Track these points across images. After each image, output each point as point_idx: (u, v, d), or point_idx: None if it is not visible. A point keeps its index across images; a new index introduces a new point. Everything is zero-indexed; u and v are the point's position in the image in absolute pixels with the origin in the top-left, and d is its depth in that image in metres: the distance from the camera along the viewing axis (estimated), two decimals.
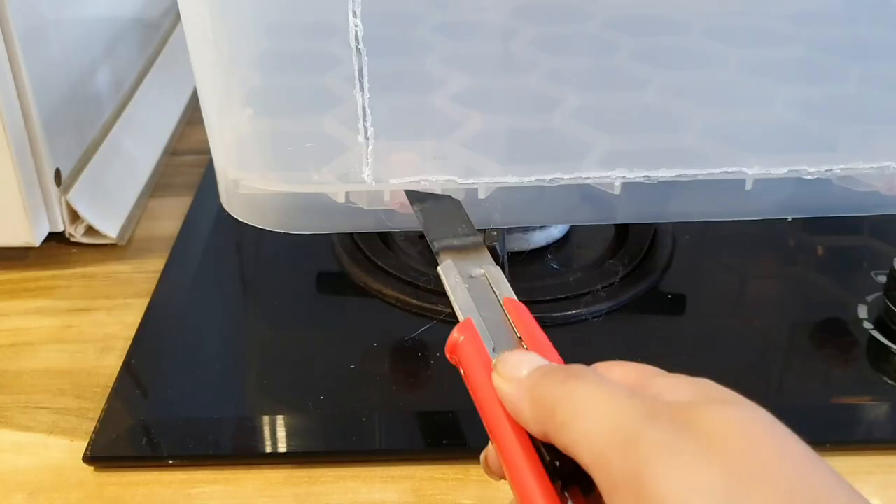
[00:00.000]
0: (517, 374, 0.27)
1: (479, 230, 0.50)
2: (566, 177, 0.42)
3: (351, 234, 0.55)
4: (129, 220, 0.60)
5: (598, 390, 0.24)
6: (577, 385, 0.25)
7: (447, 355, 0.31)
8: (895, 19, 0.49)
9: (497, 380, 0.28)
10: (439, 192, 0.42)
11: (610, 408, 0.23)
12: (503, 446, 0.27)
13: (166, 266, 0.55)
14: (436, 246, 0.36)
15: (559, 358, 0.29)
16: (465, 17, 0.54)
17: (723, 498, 0.20)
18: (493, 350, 0.30)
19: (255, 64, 0.46)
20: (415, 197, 0.41)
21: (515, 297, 0.32)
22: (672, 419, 0.22)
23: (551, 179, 0.42)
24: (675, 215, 0.45)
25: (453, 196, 0.41)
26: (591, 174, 0.43)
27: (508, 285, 0.33)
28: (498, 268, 0.34)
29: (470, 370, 0.30)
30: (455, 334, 0.31)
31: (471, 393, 0.30)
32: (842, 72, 0.49)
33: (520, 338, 0.30)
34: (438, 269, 0.35)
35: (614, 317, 0.49)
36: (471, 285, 0.33)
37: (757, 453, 0.21)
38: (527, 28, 0.52)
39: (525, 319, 0.31)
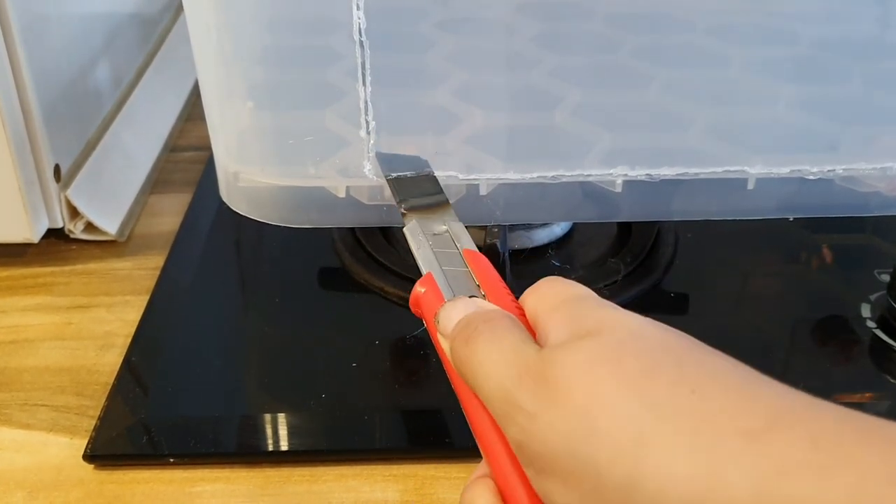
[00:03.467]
0: (447, 330, 0.28)
1: (480, 227, 0.50)
2: (567, 174, 0.42)
3: (352, 230, 0.55)
4: (129, 216, 0.60)
5: (488, 350, 0.26)
6: (475, 347, 0.26)
7: (411, 309, 0.32)
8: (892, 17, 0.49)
9: (438, 336, 0.29)
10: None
11: (495, 370, 0.25)
12: (465, 404, 0.28)
13: (166, 263, 0.55)
14: (403, 207, 0.37)
15: (514, 303, 0.29)
16: (469, 13, 0.54)
17: (576, 436, 0.22)
18: (470, 297, 0.31)
19: (258, 58, 0.46)
20: (383, 159, 0.40)
21: (476, 249, 0.33)
22: (535, 376, 0.24)
23: (553, 177, 0.42)
24: (677, 214, 0.45)
25: (428, 165, 0.41)
26: (592, 172, 0.42)
27: (469, 238, 0.34)
28: (461, 223, 0.36)
29: (430, 322, 0.31)
30: (417, 287, 0.32)
31: (436, 347, 0.30)
32: (845, 72, 0.49)
33: (478, 285, 0.31)
34: (404, 229, 0.36)
35: None
36: (434, 241, 0.34)
37: (595, 394, 0.23)
38: (529, 25, 0.52)
39: (483, 268, 0.32)
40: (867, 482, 0.19)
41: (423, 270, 0.33)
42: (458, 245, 0.34)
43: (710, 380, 0.23)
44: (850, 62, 0.49)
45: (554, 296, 0.27)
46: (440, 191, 0.38)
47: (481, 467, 0.27)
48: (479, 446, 0.27)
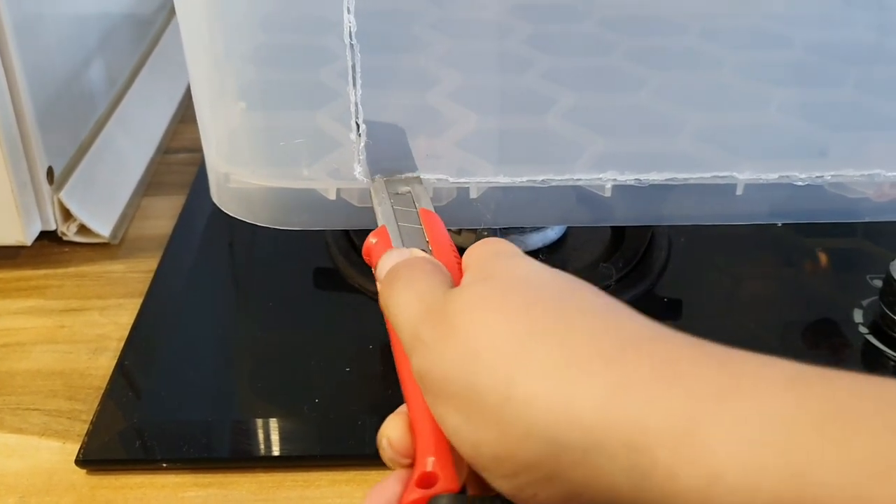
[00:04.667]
0: (381, 276, 0.31)
1: (470, 230, 0.50)
2: (557, 178, 0.42)
3: (346, 233, 0.55)
4: (122, 219, 0.60)
5: (405, 290, 0.29)
6: (394, 287, 0.29)
7: (364, 257, 0.35)
8: (890, 24, 0.49)
9: (378, 283, 0.32)
10: (430, 190, 0.42)
11: (407, 308, 0.28)
12: (393, 345, 0.30)
13: (159, 266, 0.55)
14: (372, 170, 0.39)
15: (457, 260, 0.32)
16: (462, 14, 0.54)
17: (462, 364, 0.25)
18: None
19: (250, 57, 0.45)
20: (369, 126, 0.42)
21: (432, 209, 0.36)
22: (436, 313, 0.27)
23: (542, 180, 0.42)
24: (667, 218, 0.45)
25: (404, 133, 0.42)
26: (582, 176, 0.42)
27: (428, 199, 0.37)
28: (423, 186, 0.38)
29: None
30: (370, 238, 0.34)
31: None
32: (836, 77, 0.49)
33: (427, 242, 0.33)
34: (370, 187, 0.39)
35: None
36: (395, 200, 0.37)
37: (479, 326, 0.25)
38: (523, 27, 0.52)
39: (435, 227, 0.34)
40: (696, 396, 0.22)
41: (379, 224, 0.35)
42: (417, 205, 0.36)
43: (581, 312, 0.25)
44: (842, 67, 0.49)
45: (482, 251, 0.30)
46: (410, 157, 0.40)
47: (403, 406, 0.29)
48: (400, 382, 0.29)
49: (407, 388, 0.28)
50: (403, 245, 0.33)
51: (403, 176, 0.40)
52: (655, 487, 0.22)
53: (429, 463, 0.26)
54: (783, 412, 0.21)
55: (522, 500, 0.24)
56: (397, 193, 0.38)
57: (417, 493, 0.25)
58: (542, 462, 0.23)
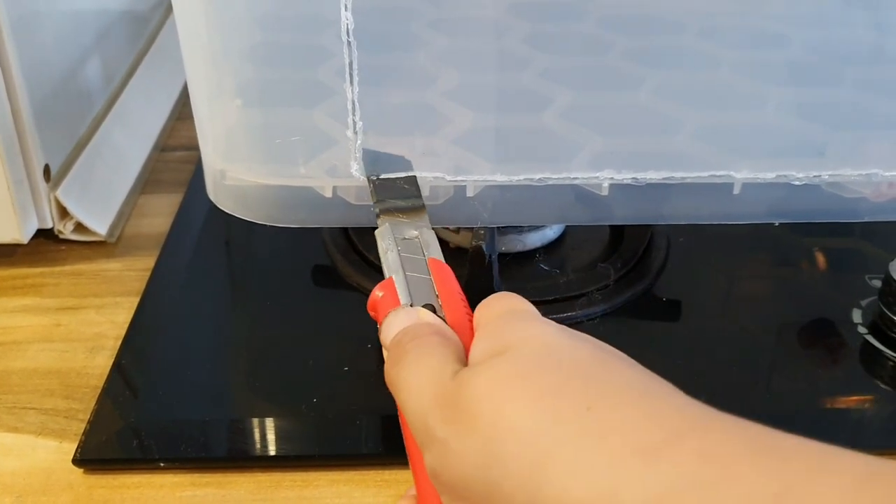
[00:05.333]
0: (386, 341, 0.29)
1: (466, 229, 0.50)
2: (554, 177, 0.42)
3: (344, 230, 0.55)
4: (119, 216, 0.59)
5: (411, 372, 0.26)
6: (400, 367, 0.27)
7: (369, 311, 0.33)
8: (888, 23, 0.49)
9: (383, 348, 0.29)
10: (427, 188, 0.42)
11: (415, 394, 0.26)
12: (402, 422, 0.28)
13: (156, 264, 0.54)
14: (378, 208, 0.38)
15: (467, 315, 0.30)
16: (461, 13, 0.53)
17: (483, 465, 0.23)
18: (411, 306, 0.31)
19: (247, 55, 0.45)
20: (368, 157, 0.40)
21: (441, 259, 0.34)
22: (447, 401, 0.24)
23: (539, 179, 0.42)
24: (664, 217, 0.45)
25: (411, 166, 0.41)
26: (579, 175, 0.42)
27: (438, 247, 0.35)
28: (432, 231, 0.36)
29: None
30: (375, 291, 0.32)
31: None
32: (835, 76, 0.49)
33: (437, 296, 0.32)
34: (376, 232, 0.37)
35: (609, 319, 0.49)
36: (403, 246, 0.35)
37: (500, 417, 0.23)
38: (521, 25, 0.51)
39: (445, 278, 0.32)
40: (753, 498, 0.19)
41: (386, 275, 0.33)
42: (426, 252, 0.34)
43: (610, 396, 0.23)
44: (840, 67, 0.49)
45: (493, 309, 0.28)
46: (418, 195, 0.38)
47: (412, 488, 0.27)
48: (410, 465, 0.27)
49: (417, 473, 0.27)
50: (411, 299, 0.31)
51: (398, 175, 0.40)
52: None
53: None
54: None
55: None
56: (405, 238, 0.36)
57: None
58: None
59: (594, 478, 0.21)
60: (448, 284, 0.32)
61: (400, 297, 0.32)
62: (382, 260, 0.35)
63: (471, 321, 0.29)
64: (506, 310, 0.28)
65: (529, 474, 0.22)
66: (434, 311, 0.31)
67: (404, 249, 0.35)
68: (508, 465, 0.22)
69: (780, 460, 0.20)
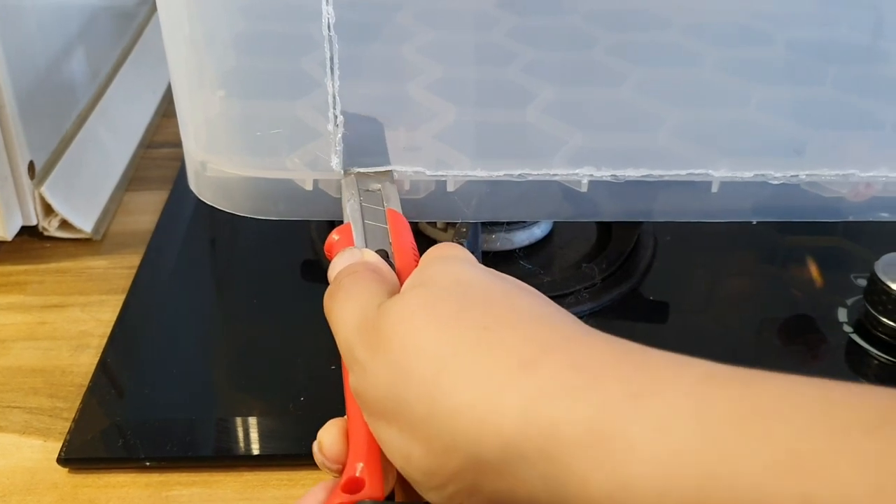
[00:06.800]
0: (330, 279, 0.31)
1: (448, 224, 0.50)
2: (534, 173, 0.42)
3: (331, 226, 0.54)
4: (105, 214, 0.59)
5: (343, 304, 0.29)
6: (334, 300, 0.29)
7: (325, 254, 0.34)
8: (872, 23, 0.49)
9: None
10: (407, 182, 0.42)
11: (344, 323, 0.28)
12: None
13: (142, 261, 0.54)
14: (346, 161, 0.39)
15: (415, 264, 0.31)
16: (447, 5, 0.53)
17: (394, 381, 0.25)
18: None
19: (231, 44, 0.45)
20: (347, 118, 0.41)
21: (399, 210, 0.36)
22: (369, 329, 0.27)
23: (519, 175, 0.42)
24: (644, 215, 0.45)
25: (382, 127, 0.42)
26: (559, 171, 0.42)
27: (398, 200, 0.37)
28: (395, 186, 0.38)
29: None
30: (332, 234, 0.34)
31: None
32: (817, 75, 0.49)
33: (390, 243, 0.33)
34: (341, 181, 0.39)
35: (595, 317, 0.49)
36: (365, 197, 0.37)
37: (409, 340, 0.26)
38: (508, 19, 0.51)
39: (401, 229, 0.34)
40: (610, 399, 0.22)
41: (345, 221, 0.35)
42: (386, 204, 0.36)
43: (510, 318, 0.26)
44: (822, 66, 0.49)
45: (429, 255, 0.30)
46: (385, 153, 0.40)
47: (345, 417, 0.30)
48: (344, 389, 0.29)
49: (348, 395, 0.29)
50: (366, 244, 0.33)
51: (377, 169, 0.40)
52: (571, 495, 0.22)
53: (357, 468, 0.27)
54: (698, 410, 0.21)
55: None
56: (368, 190, 0.38)
57: (342, 498, 0.26)
58: (466, 474, 0.24)
59: (480, 384, 0.24)
60: (402, 235, 0.34)
61: (355, 241, 0.33)
62: (344, 207, 0.36)
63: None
64: (437, 255, 0.30)
65: (428, 388, 0.24)
66: (386, 256, 0.32)
67: (366, 200, 0.37)
68: (412, 380, 0.25)
69: (639, 369, 0.23)
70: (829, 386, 0.21)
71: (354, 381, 0.27)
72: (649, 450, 0.21)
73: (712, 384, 0.22)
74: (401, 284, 0.30)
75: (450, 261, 0.29)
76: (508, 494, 0.23)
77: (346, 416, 0.29)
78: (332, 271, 0.32)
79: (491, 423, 0.23)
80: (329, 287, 0.30)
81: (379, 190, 0.38)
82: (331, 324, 0.29)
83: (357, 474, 0.27)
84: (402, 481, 0.27)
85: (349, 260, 0.32)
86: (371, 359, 0.26)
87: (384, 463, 0.27)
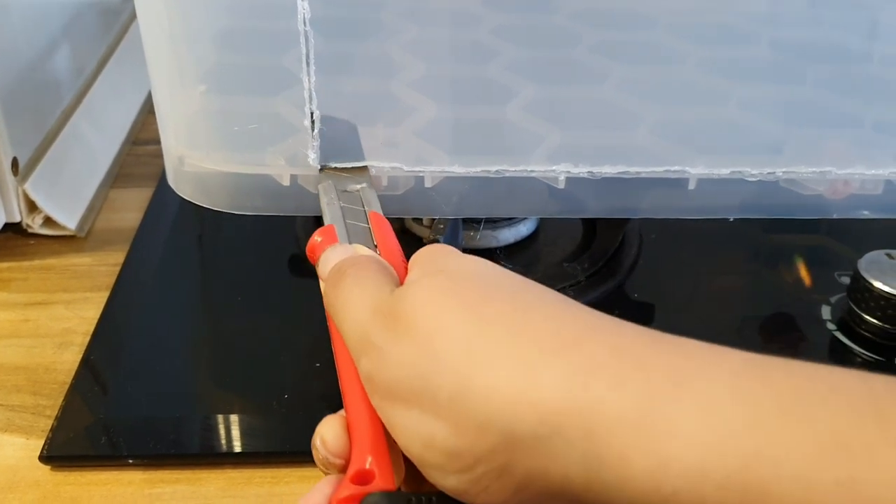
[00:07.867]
0: (324, 273, 0.31)
1: (428, 220, 0.50)
2: (511, 169, 0.42)
3: (318, 222, 0.54)
4: (89, 211, 0.59)
5: (351, 291, 0.28)
6: (340, 288, 0.29)
7: (308, 256, 0.34)
8: (853, 23, 0.50)
9: (321, 281, 0.31)
10: (385, 178, 0.42)
11: (354, 309, 0.27)
12: (334, 346, 0.30)
13: (127, 259, 0.54)
14: (323, 159, 0.39)
15: (403, 264, 0.31)
16: (432, 3, 0.53)
17: (418, 362, 0.25)
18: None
19: (211, 39, 0.45)
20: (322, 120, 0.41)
21: (381, 212, 0.35)
22: (386, 313, 0.26)
23: (496, 171, 0.42)
24: (622, 212, 0.45)
25: (356, 129, 0.42)
26: (536, 167, 0.42)
27: (378, 202, 0.37)
28: (373, 189, 0.38)
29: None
30: (315, 236, 0.33)
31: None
32: (794, 74, 0.49)
33: (375, 245, 0.33)
34: (318, 186, 0.38)
35: None
36: (344, 199, 0.37)
37: (435, 321, 0.25)
38: (492, 17, 0.51)
39: (384, 231, 0.34)
40: (653, 381, 0.22)
41: (326, 223, 0.35)
42: (366, 207, 0.36)
43: (537, 304, 0.26)
44: (803, 65, 0.50)
45: (428, 251, 0.30)
46: (361, 156, 0.40)
47: (342, 410, 0.29)
48: (340, 384, 0.29)
49: (346, 388, 0.28)
50: (351, 243, 0.33)
51: (355, 164, 0.40)
52: (608, 473, 0.22)
53: (367, 461, 0.26)
54: (741, 394, 0.21)
55: (472, 495, 0.24)
56: (345, 191, 0.38)
57: (351, 489, 0.25)
58: (497, 454, 0.23)
59: (518, 361, 0.23)
60: (387, 237, 0.33)
61: (339, 240, 0.33)
62: (323, 210, 0.36)
63: (406, 270, 0.30)
64: (441, 251, 0.30)
65: (460, 365, 0.24)
66: None
67: (345, 201, 0.36)
68: (441, 360, 0.24)
69: (678, 354, 0.23)
70: (870, 376, 0.21)
71: (370, 365, 0.26)
72: (693, 430, 0.21)
73: (753, 370, 0.22)
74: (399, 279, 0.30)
75: (455, 254, 0.29)
76: (541, 473, 0.23)
77: (342, 412, 0.29)
78: (326, 265, 0.31)
79: (528, 401, 0.23)
80: (330, 277, 0.30)
81: (357, 191, 0.38)
82: (336, 311, 0.28)
83: (367, 466, 0.26)
84: (408, 476, 0.27)
85: (345, 253, 0.31)
86: (391, 340, 0.25)
87: (393, 456, 0.27)
